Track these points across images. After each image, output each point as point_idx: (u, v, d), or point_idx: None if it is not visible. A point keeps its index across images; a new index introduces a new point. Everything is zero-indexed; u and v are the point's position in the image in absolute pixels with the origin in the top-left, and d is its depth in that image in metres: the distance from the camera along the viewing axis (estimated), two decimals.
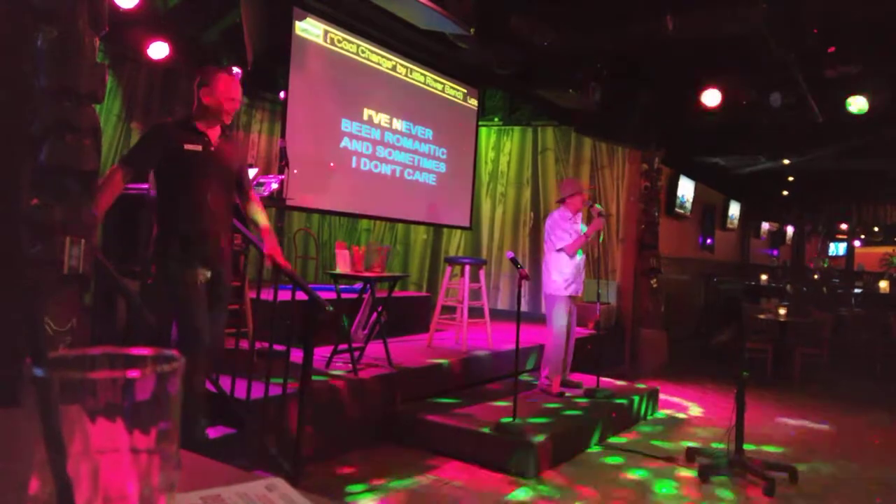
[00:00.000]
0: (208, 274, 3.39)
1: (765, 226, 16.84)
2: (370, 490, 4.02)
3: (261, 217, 3.74)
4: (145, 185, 4.51)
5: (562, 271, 5.74)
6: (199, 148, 3.36)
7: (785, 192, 15.05)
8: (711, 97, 7.67)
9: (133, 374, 0.41)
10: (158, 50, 6.35)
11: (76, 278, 2.43)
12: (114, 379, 0.40)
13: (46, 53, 2.39)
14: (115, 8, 5.26)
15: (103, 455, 0.41)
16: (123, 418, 0.41)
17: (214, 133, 3.46)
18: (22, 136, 2.36)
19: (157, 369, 0.42)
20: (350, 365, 4.96)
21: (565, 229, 5.75)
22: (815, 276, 16.09)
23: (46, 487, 0.39)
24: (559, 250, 5.74)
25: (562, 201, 5.93)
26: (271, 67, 6.87)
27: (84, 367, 0.43)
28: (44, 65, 2.38)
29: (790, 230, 18.22)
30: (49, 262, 2.32)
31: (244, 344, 4.30)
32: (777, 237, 18.01)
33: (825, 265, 18.05)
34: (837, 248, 20.43)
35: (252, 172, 4.71)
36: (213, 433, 3.66)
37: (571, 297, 5.82)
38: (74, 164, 2.45)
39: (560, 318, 5.77)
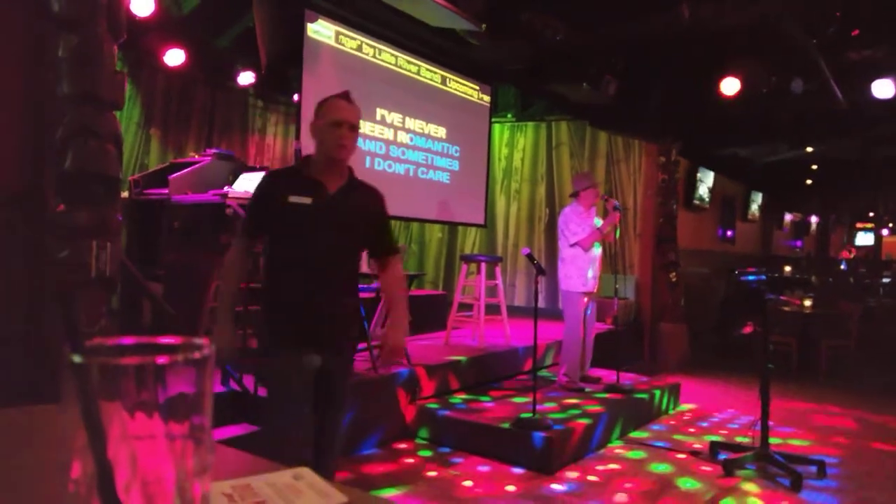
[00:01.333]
0: (317, 360, 2.64)
1: (787, 217, 16.63)
2: (390, 486, 4.04)
3: (397, 294, 2.96)
4: (165, 190, 4.58)
5: (577, 267, 5.72)
6: (309, 200, 2.65)
7: (808, 182, 14.85)
8: (730, 86, 7.57)
9: (165, 359, 0.42)
10: (174, 57, 6.42)
11: (103, 281, 2.47)
12: (148, 365, 0.42)
13: (67, 61, 2.43)
14: (132, 16, 5.33)
15: (140, 441, 0.43)
16: (159, 403, 0.43)
17: (335, 181, 2.75)
18: (46, 143, 2.40)
19: (190, 357, 0.44)
20: (369, 363, 4.99)
21: (578, 224, 5.72)
22: (842, 267, 15.88)
23: (87, 470, 0.41)
24: (573, 245, 5.71)
25: (575, 196, 5.91)
26: (285, 70, 6.92)
27: (119, 354, 0.45)
28: (65, 72, 2.42)
29: (814, 220, 17.98)
30: (77, 265, 2.36)
31: None
32: (801, 228, 17.76)
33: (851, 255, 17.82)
34: (864, 238, 20.13)
35: None
36: (237, 430, 3.70)
37: (588, 293, 5.79)
38: (98, 169, 2.49)
39: (576, 314, 5.75)
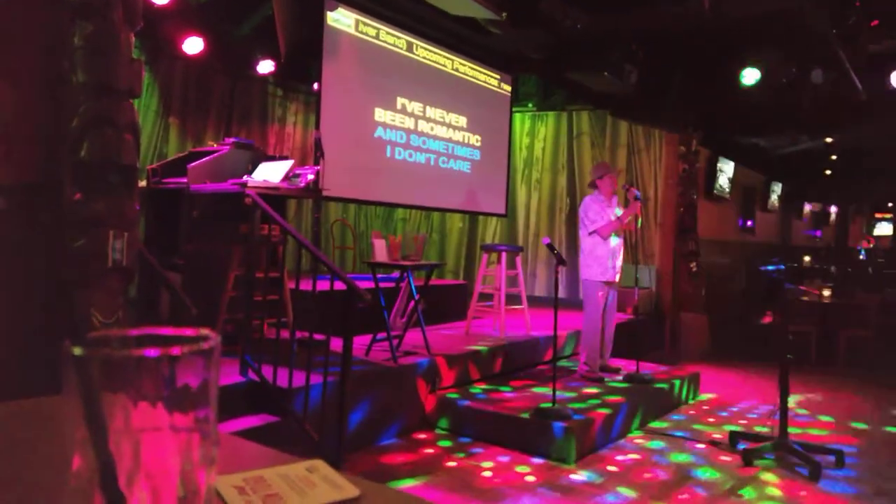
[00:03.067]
0: None
1: (807, 207, 16.48)
2: (410, 475, 4.05)
3: None
4: (184, 179, 4.59)
5: (596, 256, 5.69)
6: None
7: (828, 172, 14.69)
8: (750, 76, 7.49)
9: (171, 351, 0.41)
10: (193, 45, 6.42)
11: (120, 271, 2.48)
12: (152, 357, 0.41)
13: (83, 49, 2.44)
14: (149, 3, 5.34)
15: (143, 433, 0.42)
16: (163, 395, 0.42)
17: None
18: (63, 133, 2.40)
19: (194, 348, 0.42)
20: (389, 353, 5.00)
21: (598, 212, 5.70)
22: (861, 257, 15.72)
23: (88, 464, 0.40)
24: (591, 234, 5.69)
25: (593, 185, 5.88)
26: (304, 59, 6.92)
27: (122, 346, 0.44)
28: (81, 61, 2.43)
29: (834, 210, 17.80)
30: (93, 255, 2.37)
31: (285, 333, 4.36)
32: (820, 218, 17.59)
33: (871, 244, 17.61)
34: (883, 227, 19.86)
35: (288, 164, 4.75)
36: (256, 421, 3.72)
37: (608, 282, 5.76)
38: (115, 158, 2.49)
39: (595, 303, 5.73)
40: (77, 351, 0.39)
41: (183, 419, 0.42)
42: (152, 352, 0.41)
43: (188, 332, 0.45)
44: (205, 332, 0.44)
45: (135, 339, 0.44)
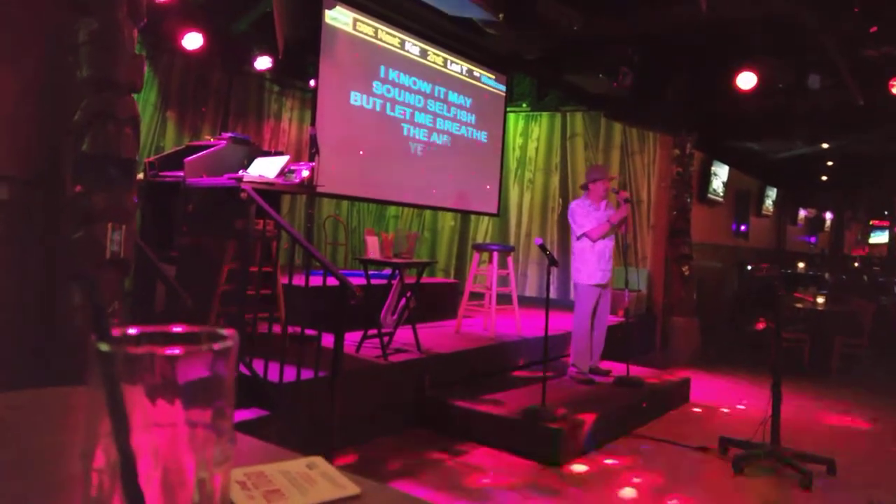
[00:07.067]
0: None
1: (802, 212, 16.52)
2: (399, 474, 4.06)
3: None
4: (180, 173, 4.59)
5: (584, 260, 5.72)
6: None
7: (824, 178, 14.73)
8: (746, 80, 7.52)
9: (188, 349, 0.43)
10: (192, 41, 6.42)
11: (117, 263, 2.48)
12: (172, 354, 0.42)
13: (88, 45, 2.44)
14: (152, 0, 5.33)
15: (161, 429, 0.43)
16: (180, 393, 0.43)
17: None
18: (65, 126, 2.41)
19: (213, 346, 0.44)
20: (380, 350, 5.00)
21: (584, 216, 5.71)
22: (856, 264, 15.78)
23: (110, 459, 0.41)
24: (580, 237, 5.72)
25: (585, 187, 5.90)
26: (302, 56, 6.92)
27: (143, 343, 0.45)
28: (85, 57, 2.43)
29: (829, 217, 17.86)
30: (92, 247, 2.38)
31: (277, 328, 4.36)
32: (815, 224, 17.63)
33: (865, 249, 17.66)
34: (879, 236, 19.93)
35: (283, 160, 4.75)
36: (247, 415, 3.73)
37: (600, 285, 5.78)
38: (115, 152, 2.50)
39: (584, 306, 5.75)
40: (103, 347, 0.41)
41: (200, 416, 0.44)
42: (172, 350, 0.42)
43: (205, 330, 0.46)
44: (223, 330, 0.46)
45: (153, 336, 0.45)
